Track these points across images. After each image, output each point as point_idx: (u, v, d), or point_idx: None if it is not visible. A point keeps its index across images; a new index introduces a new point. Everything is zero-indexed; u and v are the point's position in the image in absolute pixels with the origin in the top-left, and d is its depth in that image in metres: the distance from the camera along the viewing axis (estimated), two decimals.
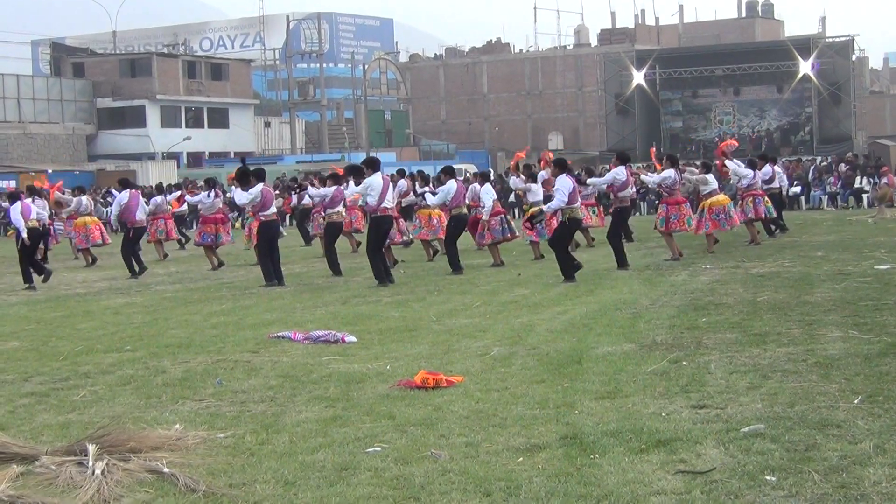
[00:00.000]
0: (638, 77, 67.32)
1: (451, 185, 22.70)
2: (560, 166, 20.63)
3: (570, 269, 19.73)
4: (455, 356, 12.30)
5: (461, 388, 10.38)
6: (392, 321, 15.42)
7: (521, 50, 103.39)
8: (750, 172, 26.83)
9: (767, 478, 7.22)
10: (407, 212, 28.67)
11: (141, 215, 26.21)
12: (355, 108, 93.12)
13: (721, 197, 25.13)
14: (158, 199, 30.37)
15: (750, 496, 6.90)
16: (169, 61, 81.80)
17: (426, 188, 27.59)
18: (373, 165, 21.34)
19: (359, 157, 73.01)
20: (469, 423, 9.02)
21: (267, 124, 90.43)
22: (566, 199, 19.51)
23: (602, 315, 15.05)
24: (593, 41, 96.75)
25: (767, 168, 28.72)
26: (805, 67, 63.82)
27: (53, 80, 79.50)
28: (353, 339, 13.73)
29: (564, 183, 19.66)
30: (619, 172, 22.45)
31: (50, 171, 66.63)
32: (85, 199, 31.34)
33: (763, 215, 26.98)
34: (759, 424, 8.47)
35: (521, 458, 7.89)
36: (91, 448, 8.13)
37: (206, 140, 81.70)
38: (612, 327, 13.85)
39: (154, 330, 15.67)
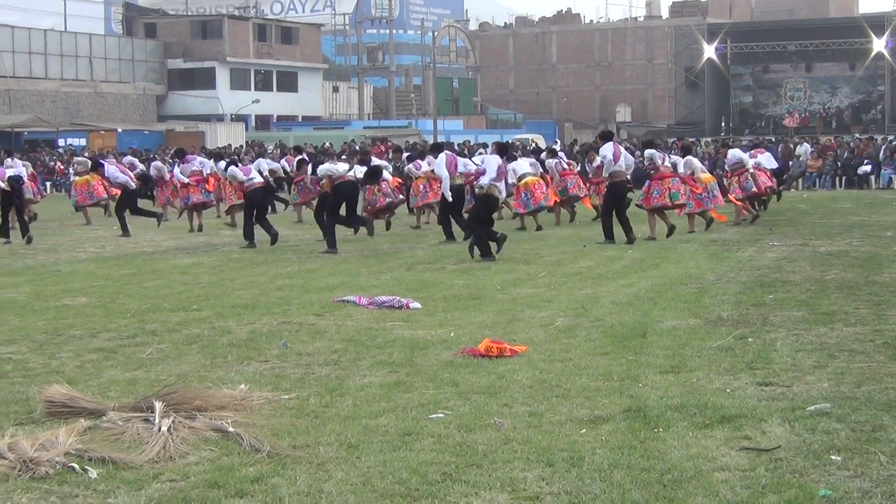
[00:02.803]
0: (709, 50, 66.63)
1: (442, 158, 22.71)
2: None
3: (487, 246, 19.45)
4: (519, 325, 12.30)
5: (525, 358, 10.38)
6: (456, 289, 15.44)
7: (591, 20, 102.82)
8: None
9: (833, 457, 7.17)
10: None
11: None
12: (424, 74, 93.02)
13: (706, 176, 24.85)
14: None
15: (815, 475, 6.86)
16: (240, 24, 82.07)
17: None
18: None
19: (426, 125, 73.12)
20: (532, 392, 9.02)
21: (335, 89, 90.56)
22: (494, 175, 19.88)
23: (667, 289, 14.98)
24: (664, 13, 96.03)
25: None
26: (879, 45, 62.87)
27: (125, 40, 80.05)
28: (417, 305, 13.75)
29: (493, 160, 20.31)
30: (606, 149, 22.27)
31: (120, 130, 67.27)
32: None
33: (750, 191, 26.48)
34: (825, 403, 8.41)
35: (584, 430, 7.88)
36: (158, 405, 8.21)
37: (274, 103, 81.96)
38: (678, 301, 13.78)
39: (220, 290, 15.80)
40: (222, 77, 78.68)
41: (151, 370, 10.27)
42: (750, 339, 11.09)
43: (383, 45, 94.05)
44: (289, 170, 32.17)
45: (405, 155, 31.71)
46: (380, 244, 22.57)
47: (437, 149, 24.07)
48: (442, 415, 8.34)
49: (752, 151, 29.37)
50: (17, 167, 30.64)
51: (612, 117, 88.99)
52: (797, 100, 68.59)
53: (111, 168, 29.01)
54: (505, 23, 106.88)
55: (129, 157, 34.94)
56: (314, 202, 25.94)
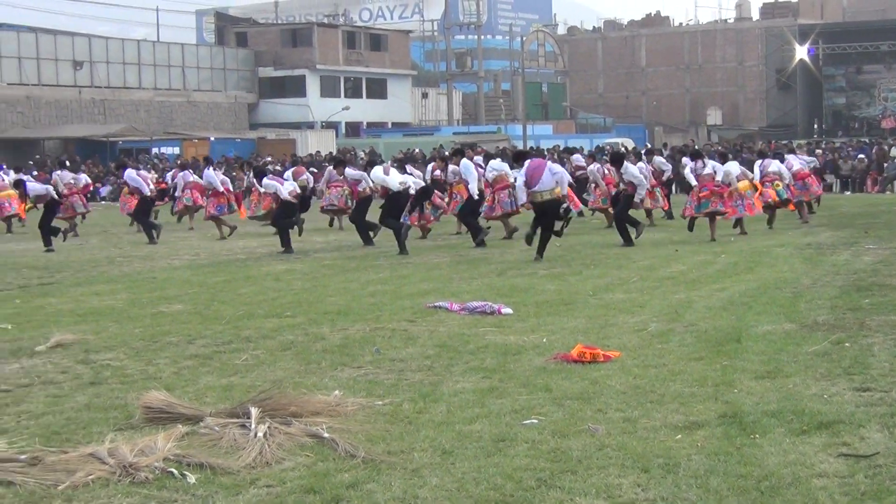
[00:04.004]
0: (800, 52, 66.01)
1: (468, 167, 23.99)
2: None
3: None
4: (612, 331, 12.25)
5: (618, 363, 10.34)
6: (548, 294, 15.41)
7: (680, 23, 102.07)
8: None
9: None
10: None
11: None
12: (512, 80, 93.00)
13: (743, 183, 24.64)
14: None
15: None
16: (329, 31, 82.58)
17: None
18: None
19: (515, 130, 73.10)
20: (626, 398, 8.98)
21: (424, 95, 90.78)
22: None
23: (762, 293, 14.84)
24: (755, 15, 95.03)
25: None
26: None
27: (217, 49, 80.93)
28: (509, 310, 13.75)
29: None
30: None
31: (212, 138, 67.99)
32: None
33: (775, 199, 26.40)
34: None
35: (679, 436, 7.83)
36: (254, 411, 8.29)
37: (364, 110, 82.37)
38: (772, 306, 13.65)
39: (313, 297, 15.91)
40: (312, 85, 79.22)
41: (247, 376, 10.37)
42: (847, 344, 10.95)
43: (472, 50, 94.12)
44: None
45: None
46: (470, 250, 22.57)
47: (459, 153, 25.37)
48: (536, 420, 8.33)
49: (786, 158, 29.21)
50: (81, 179, 31.79)
51: (703, 120, 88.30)
52: (891, 101, 67.63)
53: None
54: (594, 27, 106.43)
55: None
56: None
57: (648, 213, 28.45)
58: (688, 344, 11.29)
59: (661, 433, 7.92)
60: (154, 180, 31.65)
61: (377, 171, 23.72)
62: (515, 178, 22.05)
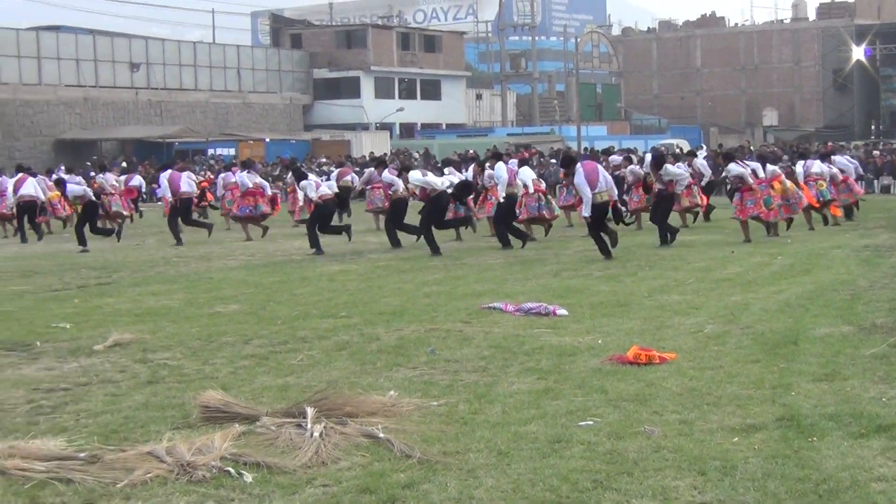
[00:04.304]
0: (857, 52, 65.51)
1: (502, 169, 23.90)
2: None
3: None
4: (667, 332, 12.20)
5: (674, 365, 10.29)
6: (603, 295, 15.37)
7: (735, 24, 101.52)
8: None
9: None
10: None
11: (185, 188, 28.11)
12: (567, 80, 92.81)
13: (789, 184, 24.51)
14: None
15: None
16: (383, 33, 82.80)
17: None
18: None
19: (569, 131, 72.94)
20: (682, 400, 8.94)
21: (478, 96, 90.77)
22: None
23: (818, 295, 14.73)
24: (811, 15, 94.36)
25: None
26: None
27: (272, 50, 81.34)
28: (564, 312, 13.72)
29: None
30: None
31: (267, 139, 68.32)
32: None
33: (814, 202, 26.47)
34: None
35: (736, 438, 7.79)
36: (310, 411, 8.32)
37: (418, 111, 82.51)
38: (830, 308, 13.55)
39: (368, 297, 15.95)
40: (367, 86, 79.43)
41: (302, 376, 10.42)
42: None
43: (526, 51, 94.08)
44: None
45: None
46: (525, 251, 22.55)
47: (497, 157, 25.12)
48: (591, 422, 8.31)
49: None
50: (109, 180, 32.35)
51: (759, 121, 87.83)
52: None
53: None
54: (648, 27, 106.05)
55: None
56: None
57: (685, 211, 28.35)
58: (744, 346, 11.22)
59: (718, 435, 7.88)
60: (198, 181, 32.07)
61: (415, 174, 23.88)
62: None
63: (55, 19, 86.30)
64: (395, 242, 24.27)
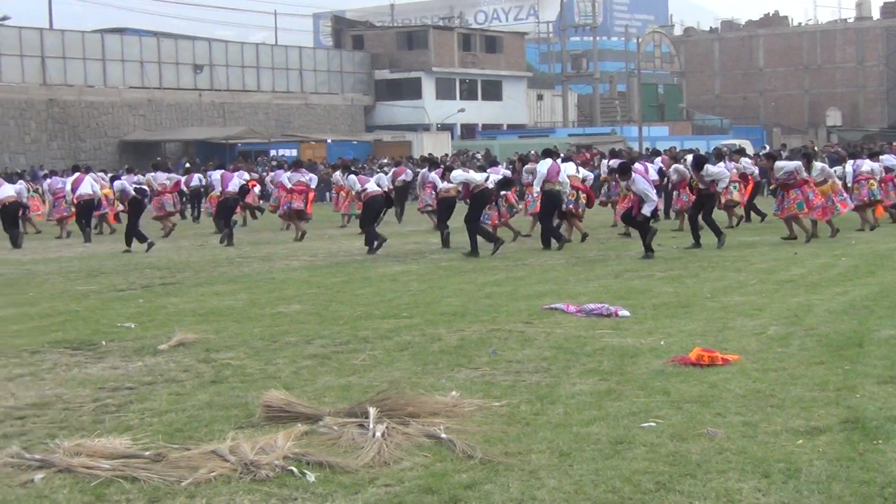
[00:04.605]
0: None
1: (544, 165, 23.76)
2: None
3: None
4: (730, 334, 12.12)
5: (737, 367, 10.22)
6: (665, 296, 15.30)
7: (799, 23, 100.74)
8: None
9: None
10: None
11: (233, 187, 28.50)
12: (628, 81, 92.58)
13: (827, 185, 24.24)
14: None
15: None
16: (445, 34, 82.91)
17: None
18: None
19: (631, 131, 72.65)
20: (746, 402, 8.88)
21: (539, 97, 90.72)
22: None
23: (884, 297, 14.58)
24: (875, 14, 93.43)
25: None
26: None
27: (334, 52, 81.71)
28: (626, 313, 13.67)
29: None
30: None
31: (329, 140, 68.59)
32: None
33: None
34: None
35: (800, 441, 7.73)
36: (372, 411, 8.35)
37: (479, 112, 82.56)
38: (895, 310, 13.40)
39: (430, 298, 15.98)
40: (428, 87, 79.59)
41: (364, 376, 10.45)
42: None
43: (587, 52, 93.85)
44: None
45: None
46: (586, 252, 22.49)
47: (548, 154, 25.01)
48: (654, 423, 8.28)
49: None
50: (159, 179, 33.19)
51: (822, 121, 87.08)
52: None
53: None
54: (710, 27, 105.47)
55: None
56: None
57: (729, 209, 28.38)
58: (808, 348, 11.13)
59: (782, 438, 7.82)
60: (247, 181, 32.55)
61: (456, 172, 24.06)
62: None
63: (120, 22, 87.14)
64: (445, 242, 24.47)
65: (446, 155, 61.16)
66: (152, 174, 34.15)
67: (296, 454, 7.60)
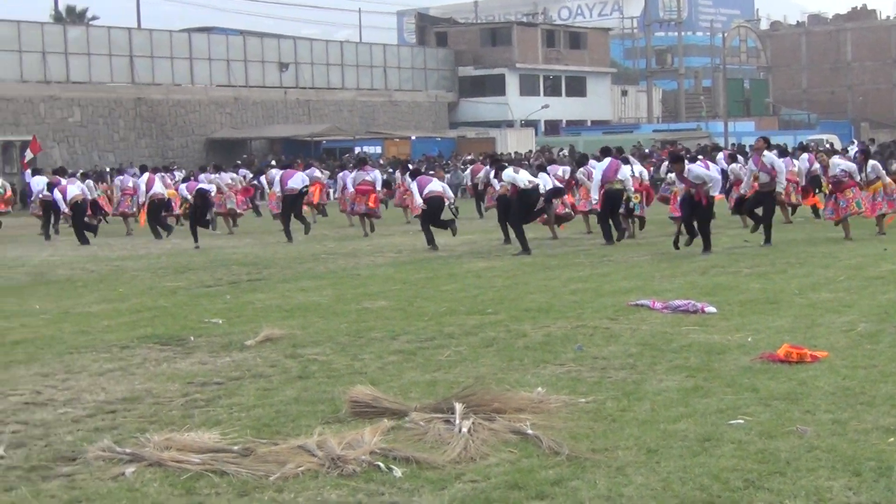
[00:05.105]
0: None
1: (603, 164, 24.13)
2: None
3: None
4: (819, 331, 11.99)
5: (826, 364, 10.11)
6: (752, 293, 15.16)
7: (887, 17, 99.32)
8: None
9: None
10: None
11: (293, 185, 28.48)
12: (713, 76, 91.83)
13: (878, 183, 23.84)
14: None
15: None
16: (528, 30, 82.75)
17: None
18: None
19: (716, 127, 72.07)
20: (835, 399, 8.78)
21: (624, 93, 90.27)
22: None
23: None
24: None
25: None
26: None
27: (418, 49, 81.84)
28: (712, 309, 13.57)
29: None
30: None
31: (413, 137, 68.75)
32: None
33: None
34: None
35: (892, 439, 7.62)
36: (458, 406, 8.36)
37: (563, 108, 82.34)
38: None
39: (514, 294, 15.97)
40: (512, 83, 79.50)
41: (450, 372, 10.47)
42: None
43: (672, 47, 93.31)
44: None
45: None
46: (671, 248, 22.32)
47: (606, 152, 25.27)
48: (742, 421, 8.21)
49: None
50: (224, 179, 33.66)
51: None
52: None
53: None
54: (797, 21, 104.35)
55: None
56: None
57: (787, 207, 28.21)
58: None
59: (873, 436, 7.72)
60: (311, 181, 33.02)
61: (508, 171, 24.13)
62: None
63: (207, 21, 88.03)
64: (508, 238, 24.58)
65: (530, 151, 61.12)
66: (217, 175, 34.51)
67: (382, 449, 7.63)
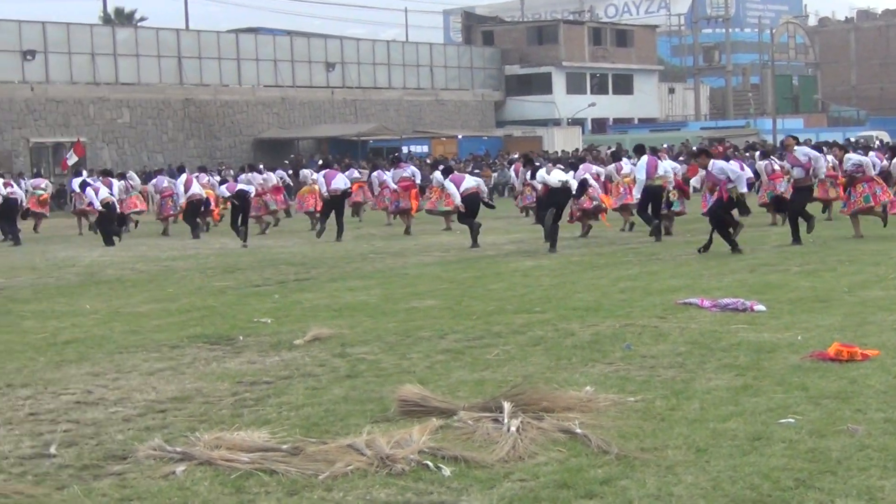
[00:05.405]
0: None
1: (643, 161, 24.12)
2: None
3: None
4: (870, 329, 11.89)
5: (877, 362, 10.03)
6: (802, 291, 15.06)
7: None
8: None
9: None
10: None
11: (338, 185, 28.83)
12: (762, 73, 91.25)
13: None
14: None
15: None
16: (575, 28, 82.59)
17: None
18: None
19: (765, 124, 71.66)
20: (887, 398, 8.71)
21: (671, 90, 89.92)
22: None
23: None
24: None
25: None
26: None
27: (464, 48, 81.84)
28: (762, 307, 13.49)
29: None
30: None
31: (460, 136, 68.77)
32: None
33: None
34: None
35: None
36: (506, 405, 8.36)
37: (610, 106, 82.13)
38: None
39: (562, 293, 15.94)
40: (558, 82, 79.36)
41: (498, 371, 10.47)
42: None
43: (719, 44, 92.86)
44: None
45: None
46: (720, 245, 22.22)
47: (640, 150, 25.26)
48: (792, 420, 8.16)
49: None
50: (256, 179, 33.88)
51: None
52: None
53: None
54: (846, 17, 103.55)
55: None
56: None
57: (827, 204, 28.26)
58: None
59: None
60: (353, 181, 33.69)
61: (542, 172, 24.34)
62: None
63: (254, 21, 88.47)
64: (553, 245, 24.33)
65: (577, 150, 60.97)
66: (248, 175, 34.75)
67: (431, 448, 7.64)
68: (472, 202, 25.02)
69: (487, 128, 76.67)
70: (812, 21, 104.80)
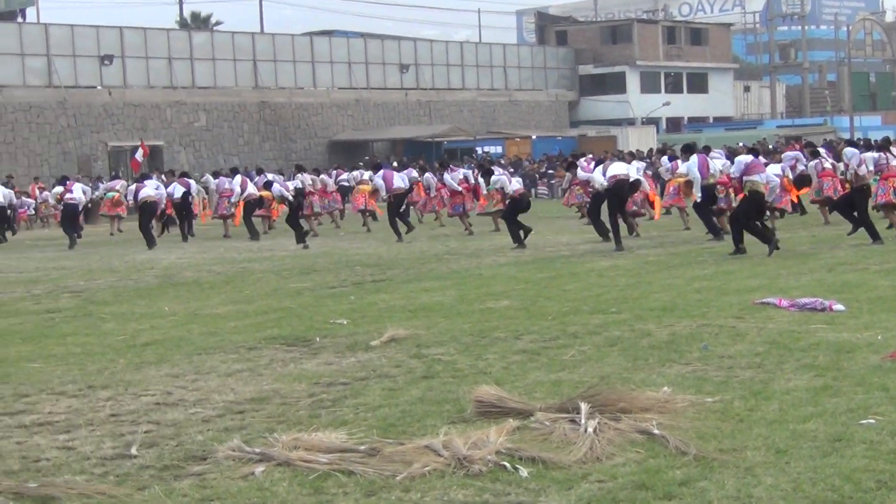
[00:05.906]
0: None
1: (694, 160, 23.96)
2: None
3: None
4: None
5: None
6: (882, 290, 14.89)
7: None
8: None
9: None
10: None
11: (398, 184, 29.51)
12: (838, 70, 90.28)
13: None
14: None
15: None
16: (649, 27, 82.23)
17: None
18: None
19: (841, 122, 70.87)
20: None
21: (746, 89, 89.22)
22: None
23: None
24: None
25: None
26: None
27: (538, 48, 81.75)
28: (841, 307, 13.34)
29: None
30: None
31: (534, 136, 68.69)
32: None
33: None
34: None
35: None
36: (583, 406, 8.33)
37: (685, 105, 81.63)
38: None
39: (638, 293, 15.87)
40: (632, 81, 79.05)
41: (574, 372, 10.44)
42: None
43: (795, 41, 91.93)
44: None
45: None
46: (798, 244, 22.05)
47: (688, 150, 25.38)
48: (873, 420, 8.06)
49: None
50: (306, 180, 34.42)
51: None
52: None
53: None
54: None
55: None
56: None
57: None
58: None
59: None
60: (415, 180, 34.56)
61: (581, 173, 24.47)
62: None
63: (328, 24, 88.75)
64: (604, 233, 24.47)
65: (651, 149, 60.61)
66: (300, 176, 35.09)
67: (508, 449, 7.63)
68: (523, 203, 25.50)
69: (561, 128, 76.53)
70: (889, 17, 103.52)
